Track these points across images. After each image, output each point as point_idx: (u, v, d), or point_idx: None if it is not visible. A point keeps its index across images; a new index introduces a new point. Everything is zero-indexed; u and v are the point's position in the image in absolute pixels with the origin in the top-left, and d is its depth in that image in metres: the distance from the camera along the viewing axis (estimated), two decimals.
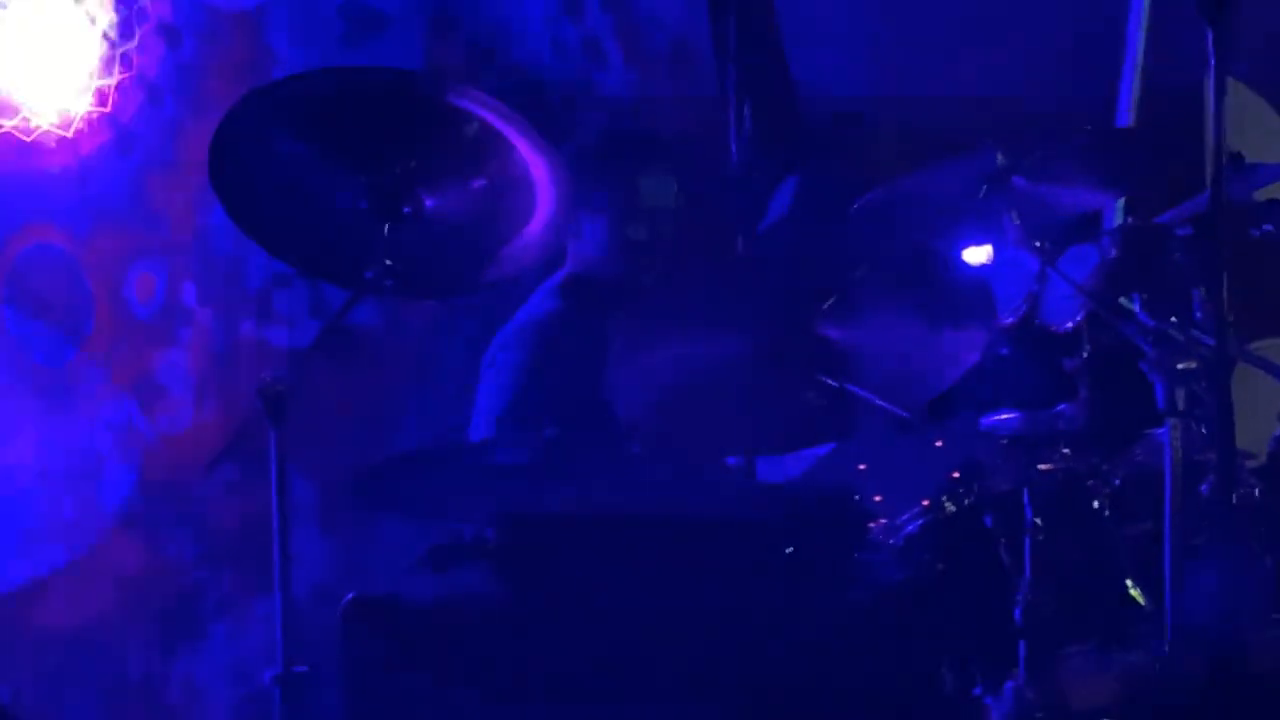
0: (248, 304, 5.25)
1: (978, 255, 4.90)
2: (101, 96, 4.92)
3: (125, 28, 4.96)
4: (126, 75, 4.96)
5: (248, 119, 3.50)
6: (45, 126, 4.81)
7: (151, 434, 5.03)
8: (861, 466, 3.98)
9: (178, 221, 5.08)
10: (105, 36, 4.93)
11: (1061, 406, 4.10)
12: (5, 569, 4.74)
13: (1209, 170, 3.30)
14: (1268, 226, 4.16)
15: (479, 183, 3.56)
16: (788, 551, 3.08)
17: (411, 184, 3.53)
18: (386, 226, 3.52)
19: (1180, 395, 3.54)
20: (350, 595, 3.28)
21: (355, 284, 3.52)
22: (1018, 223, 3.60)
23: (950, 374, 3.63)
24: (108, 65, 4.93)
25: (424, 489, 3.44)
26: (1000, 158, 3.63)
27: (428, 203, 3.55)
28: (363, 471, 3.45)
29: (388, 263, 3.46)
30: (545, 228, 3.55)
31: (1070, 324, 4.16)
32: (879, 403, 3.48)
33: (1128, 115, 5.88)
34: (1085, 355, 4.15)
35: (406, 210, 3.53)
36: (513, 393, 4.44)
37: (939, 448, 3.95)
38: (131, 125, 4.97)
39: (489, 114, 3.50)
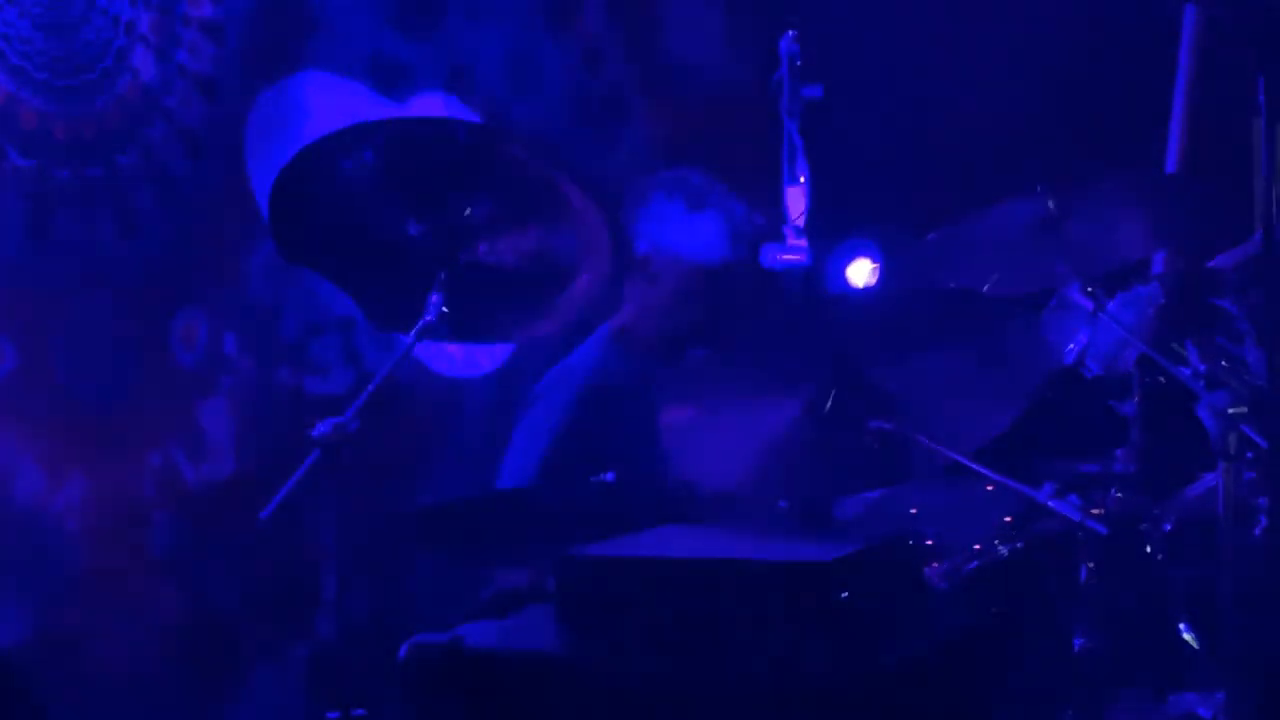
0: (284, 352, 5.48)
1: (860, 273, 5.10)
2: (144, 145, 5.13)
3: (165, 81, 5.18)
4: (171, 128, 5.16)
5: (308, 167, 3.67)
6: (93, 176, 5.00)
7: (195, 481, 5.22)
8: (913, 510, 4.16)
9: (220, 271, 5.30)
10: (145, 89, 5.14)
11: (1114, 450, 4.28)
12: (52, 616, 4.90)
13: (1259, 214, 3.45)
14: None
15: (534, 232, 3.74)
16: (843, 595, 3.21)
17: (468, 232, 3.71)
18: (443, 274, 3.68)
19: (1232, 439, 3.69)
20: (412, 639, 3.43)
21: (412, 330, 3.67)
22: (1069, 267, 3.75)
23: (1002, 419, 3.78)
24: (148, 115, 5.13)
25: (477, 531, 3.61)
26: (1052, 202, 3.80)
27: (484, 250, 3.72)
28: (414, 514, 3.61)
29: (444, 310, 3.62)
30: (597, 278, 3.72)
31: (1122, 368, 4.33)
32: (933, 447, 3.63)
33: (1175, 160, 6.07)
34: (1136, 399, 4.31)
35: (463, 257, 3.70)
36: (551, 435, 4.62)
37: (990, 491, 4.11)
38: (177, 178, 5.18)
39: (545, 166, 3.68)
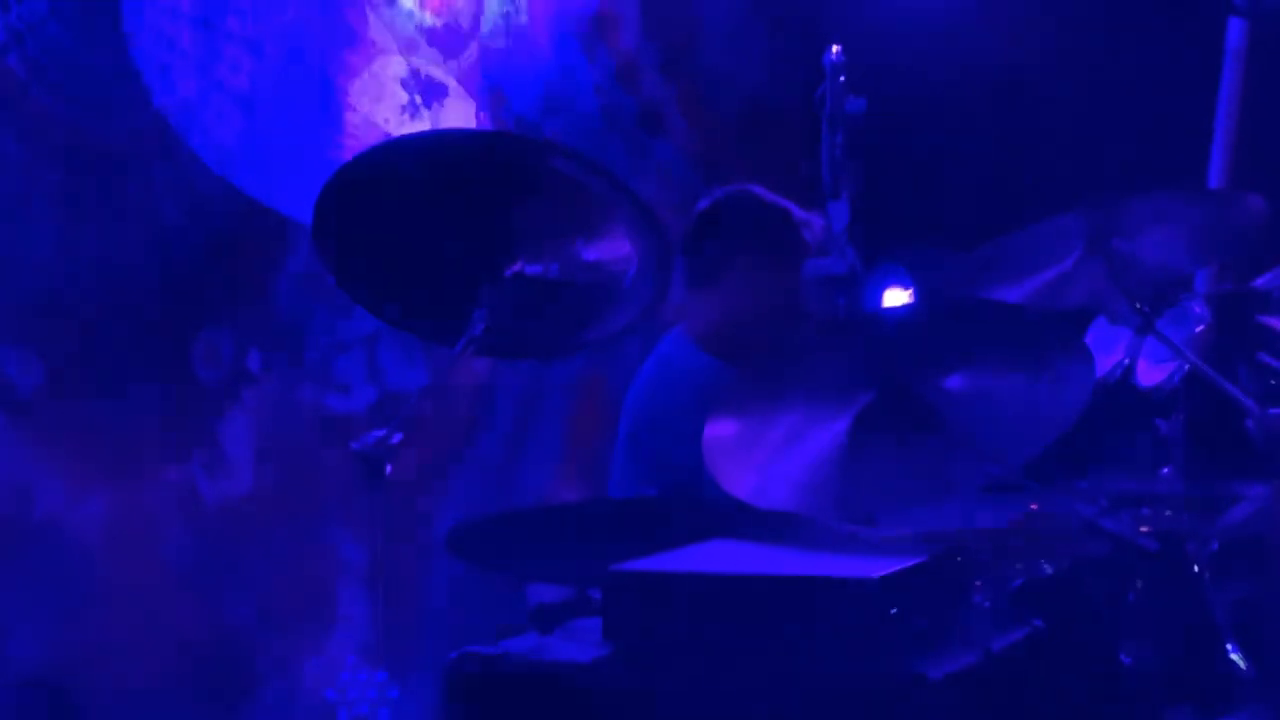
0: (308, 370, 5.67)
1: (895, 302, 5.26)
2: (176, 160, 5.32)
3: (203, 96, 5.34)
4: (204, 143, 5.34)
5: (354, 180, 3.82)
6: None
7: (213, 497, 5.40)
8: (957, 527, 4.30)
9: (246, 288, 5.48)
10: (185, 101, 5.32)
11: (1160, 469, 4.43)
12: (71, 630, 5.07)
13: None
14: None
15: (580, 245, 3.89)
16: (892, 612, 3.35)
17: (513, 246, 3.86)
18: (486, 287, 3.84)
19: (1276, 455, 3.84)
20: (456, 652, 3.57)
21: (457, 343, 3.83)
22: (1115, 283, 3.90)
23: (1048, 434, 3.91)
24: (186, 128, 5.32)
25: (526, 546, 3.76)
26: (1098, 219, 3.96)
27: (528, 264, 3.88)
28: (471, 527, 3.77)
29: (485, 325, 3.78)
30: (645, 290, 3.87)
31: (1167, 386, 4.48)
32: (981, 462, 3.77)
33: (1221, 177, 6.22)
34: (1182, 418, 4.45)
35: (508, 271, 3.86)
36: (653, 457, 4.79)
37: (1033, 510, 4.25)
38: (207, 193, 5.39)
39: (590, 178, 3.84)
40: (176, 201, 5.34)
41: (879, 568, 3.32)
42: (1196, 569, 3.98)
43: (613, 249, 3.85)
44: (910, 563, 3.41)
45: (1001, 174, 6.36)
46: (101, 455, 5.14)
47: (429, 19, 5.94)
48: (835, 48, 4.61)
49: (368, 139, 5.69)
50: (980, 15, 6.59)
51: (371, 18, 5.76)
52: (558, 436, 6.17)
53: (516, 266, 3.88)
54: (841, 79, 4.55)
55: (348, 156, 5.53)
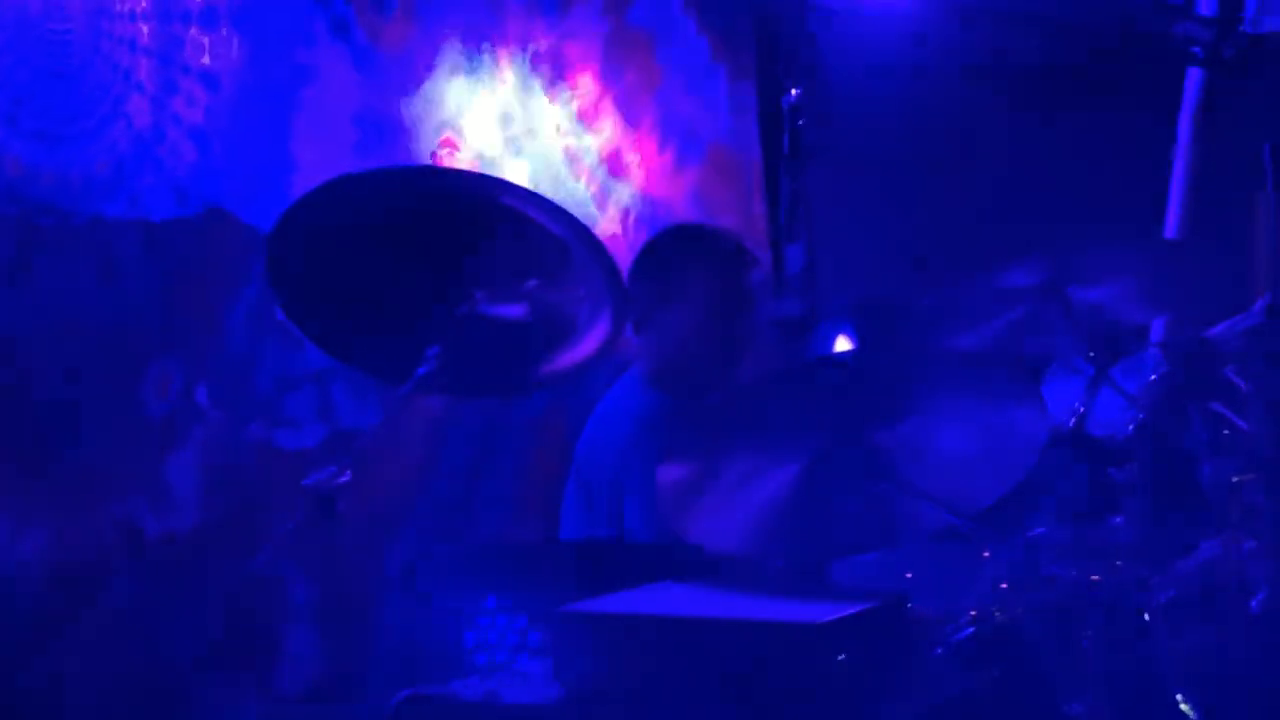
0: (257, 406, 5.63)
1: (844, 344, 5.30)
2: (132, 194, 5.31)
3: (158, 130, 5.36)
4: (159, 178, 5.35)
5: (307, 215, 3.83)
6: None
7: (156, 533, 5.36)
8: (908, 575, 4.32)
9: (198, 322, 5.47)
10: (140, 136, 5.32)
11: (1112, 518, 4.44)
12: (13, 666, 5.03)
13: (1261, 282, 3.61)
14: None
15: (534, 283, 3.90)
16: (839, 658, 3.36)
17: (467, 283, 3.87)
18: (438, 324, 3.84)
19: (1235, 508, 3.86)
20: (405, 693, 3.57)
21: (408, 382, 3.83)
22: (1071, 332, 3.93)
23: (1002, 483, 3.94)
24: (141, 163, 5.32)
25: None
26: (1053, 267, 3.99)
27: (482, 302, 3.88)
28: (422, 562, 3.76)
29: (442, 361, 3.78)
30: (600, 328, 3.88)
31: (1121, 435, 4.50)
32: (936, 510, 3.79)
33: (1176, 226, 6.26)
34: (1135, 467, 4.47)
35: (461, 309, 3.86)
36: (601, 494, 4.80)
37: (986, 558, 4.27)
38: (162, 227, 5.37)
39: (544, 216, 3.85)
40: (128, 233, 5.28)
41: (827, 613, 3.33)
42: (1147, 618, 3.99)
43: (567, 287, 3.85)
44: (858, 608, 3.42)
45: (957, 221, 6.37)
46: (44, 489, 5.10)
47: (385, 55, 5.93)
48: (794, 93, 4.64)
49: (321, 176, 5.67)
50: (937, 62, 6.62)
51: (327, 54, 5.74)
52: (514, 476, 6.16)
53: (470, 304, 3.87)
54: (799, 124, 4.58)
55: (300, 192, 5.63)
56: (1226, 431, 4.08)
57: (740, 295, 4.93)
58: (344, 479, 3.75)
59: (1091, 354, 4.04)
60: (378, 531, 5.57)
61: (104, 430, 5.27)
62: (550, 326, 3.88)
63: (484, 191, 3.89)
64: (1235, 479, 3.87)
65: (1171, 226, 6.37)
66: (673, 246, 5.13)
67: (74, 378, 5.23)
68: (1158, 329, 5.32)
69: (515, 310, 3.89)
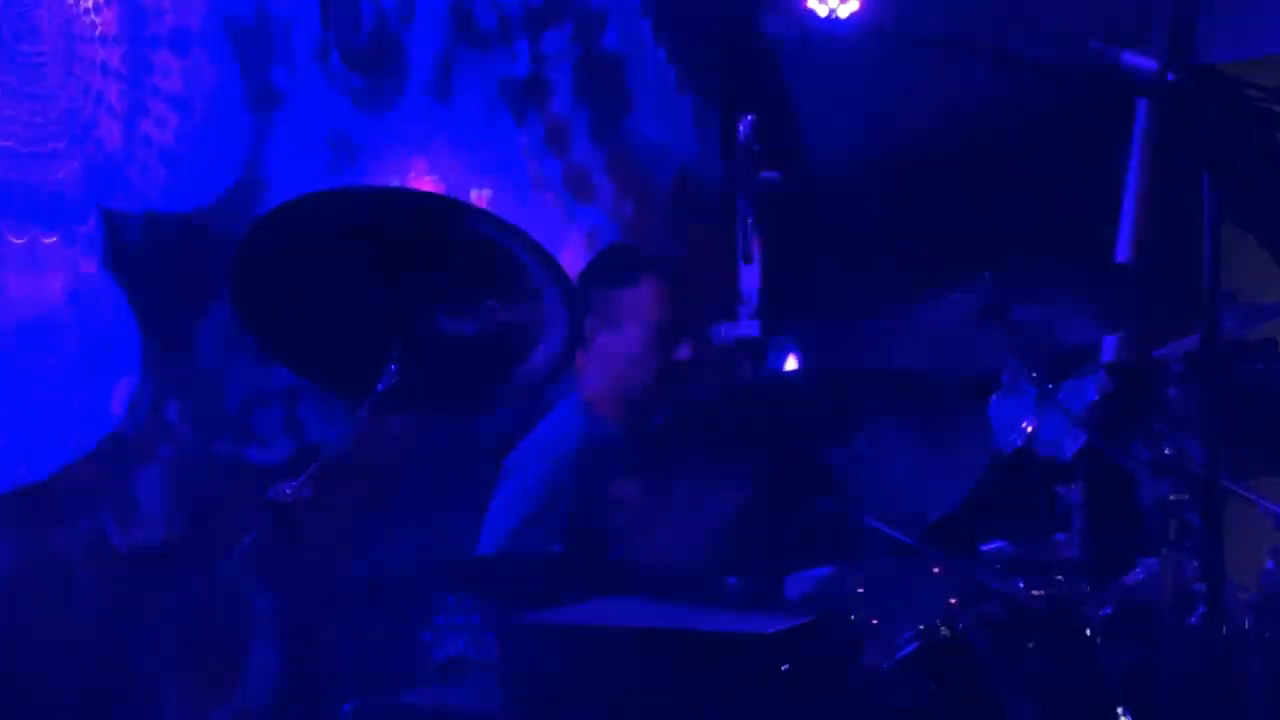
0: (226, 422, 5.64)
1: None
2: (102, 214, 5.33)
3: (129, 151, 5.37)
4: (129, 197, 5.37)
5: (270, 236, 3.84)
6: (47, 241, 5.20)
7: (123, 546, 5.37)
8: (860, 590, 4.34)
9: (167, 339, 5.47)
10: (109, 158, 5.33)
11: (1056, 535, 4.48)
12: None
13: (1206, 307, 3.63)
14: (1259, 365, 4.56)
15: (492, 302, 3.91)
16: (784, 668, 3.38)
17: (426, 302, 3.88)
18: (399, 342, 3.85)
19: (1173, 526, 3.89)
20: (351, 704, 3.57)
21: (368, 399, 3.84)
22: (1015, 353, 3.95)
23: (948, 501, 3.97)
24: (110, 185, 5.34)
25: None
26: (999, 289, 4.02)
27: (441, 320, 3.90)
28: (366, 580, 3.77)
29: (401, 378, 3.79)
30: (557, 347, 3.90)
31: (1066, 454, 4.53)
32: (882, 528, 3.82)
33: (1127, 250, 6.29)
34: (1079, 486, 4.50)
35: (420, 327, 3.87)
36: (532, 505, 4.80)
37: (935, 574, 4.29)
38: (131, 245, 5.38)
39: (502, 236, 3.87)
40: (98, 251, 5.29)
41: (773, 624, 3.35)
42: (1089, 633, 4.01)
43: (525, 306, 3.87)
44: (802, 620, 3.44)
45: (910, 243, 6.40)
46: (17, 502, 5.11)
47: (358, 77, 5.95)
48: (749, 118, 4.66)
49: (289, 195, 5.68)
50: (893, 90, 6.64)
51: (296, 77, 5.76)
52: (478, 492, 6.16)
53: (429, 322, 3.89)
54: (755, 149, 4.59)
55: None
56: (1167, 451, 4.10)
57: (679, 319, 4.94)
58: (305, 492, 3.73)
59: (1035, 374, 4.05)
60: (341, 545, 5.57)
61: (74, 446, 5.25)
62: (507, 344, 3.88)
63: (446, 212, 3.88)
64: (1174, 498, 3.88)
65: (1122, 250, 6.40)
66: (611, 269, 5.14)
67: (44, 393, 5.21)
68: (1106, 350, 5.35)
69: (473, 328, 3.90)
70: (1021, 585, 3.95)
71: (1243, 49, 6.71)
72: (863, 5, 5.67)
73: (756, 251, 4.66)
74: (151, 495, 5.43)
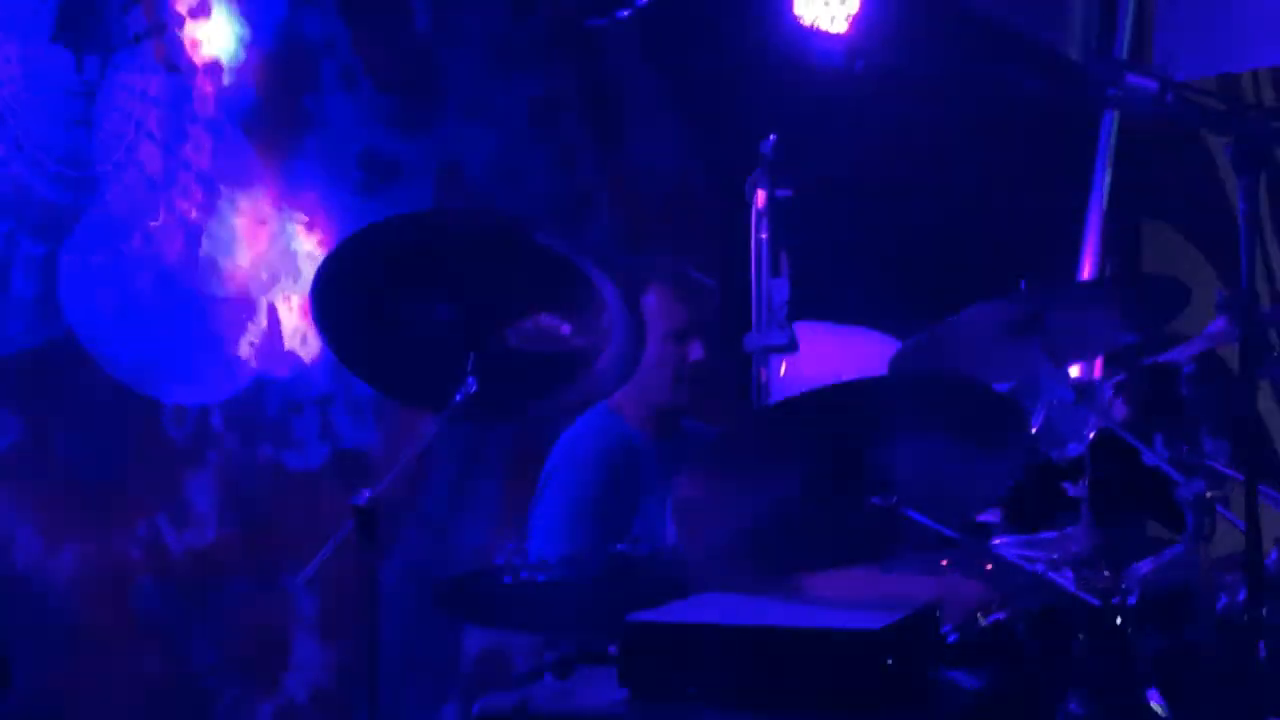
0: (266, 429, 5.59)
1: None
2: (145, 234, 5.23)
3: (168, 174, 5.29)
4: (169, 218, 5.26)
5: (349, 259, 3.77)
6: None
7: (178, 547, 5.31)
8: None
9: (211, 353, 5.43)
10: (151, 180, 5.25)
11: (1067, 529, 4.43)
12: (46, 672, 4.97)
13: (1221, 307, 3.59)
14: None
15: (558, 314, 3.85)
16: (888, 662, 3.34)
17: (496, 315, 3.82)
18: (472, 355, 3.79)
19: (1207, 522, 3.85)
20: (480, 702, 3.51)
21: (443, 409, 3.77)
22: (1052, 360, 3.92)
23: (985, 498, 3.93)
24: (154, 207, 5.26)
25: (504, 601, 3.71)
26: (1034, 298, 3.98)
27: (510, 333, 3.83)
28: (451, 583, 3.71)
29: (478, 391, 3.73)
30: (619, 355, 3.84)
31: (1074, 454, 4.49)
32: (927, 523, 3.77)
33: (1093, 267, 6.28)
34: (1088, 480, 4.45)
35: (493, 341, 3.81)
36: (579, 507, 4.74)
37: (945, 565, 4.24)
38: (172, 265, 5.31)
39: (569, 252, 3.80)
40: (143, 270, 5.25)
41: (875, 620, 3.30)
42: (1120, 622, 3.97)
43: (588, 319, 3.81)
44: (903, 614, 3.40)
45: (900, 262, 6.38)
46: (77, 509, 5.04)
47: (389, 100, 5.89)
48: (772, 137, 4.62)
49: (324, 216, 5.64)
50: (875, 110, 6.60)
51: (332, 100, 5.69)
52: (495, 494, 6.12)
53: (500, 338, 3.82)
54: (773, 163, 4.55)
55: (300, 233, 5.58)
56: (1185, 448, 4.06)
57: (690, 323, 4.88)
58: (383, 498, 3.67)
59: (1070, 380, 4.01)
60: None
61: (129, 455, 5.23)
62: (573, 356, 3.82)
63: (518, 231, 3.81)
64: (1210, 494, 3.84)
65: (1086, 268, 6.39)
66: (630, 277, 5.06)
67: (102, 406, 5.17)
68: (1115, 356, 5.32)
69: (543, 343, 3.84)
70: (1070, 577, 3.88)
71: (1198, 68, 6.73)
72: (851, 31, 5.64)
73: (784, 264, 4.62)
74: (202, 499, 5.38)
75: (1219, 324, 4.62)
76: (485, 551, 5.99)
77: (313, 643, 5.56)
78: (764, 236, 4.71)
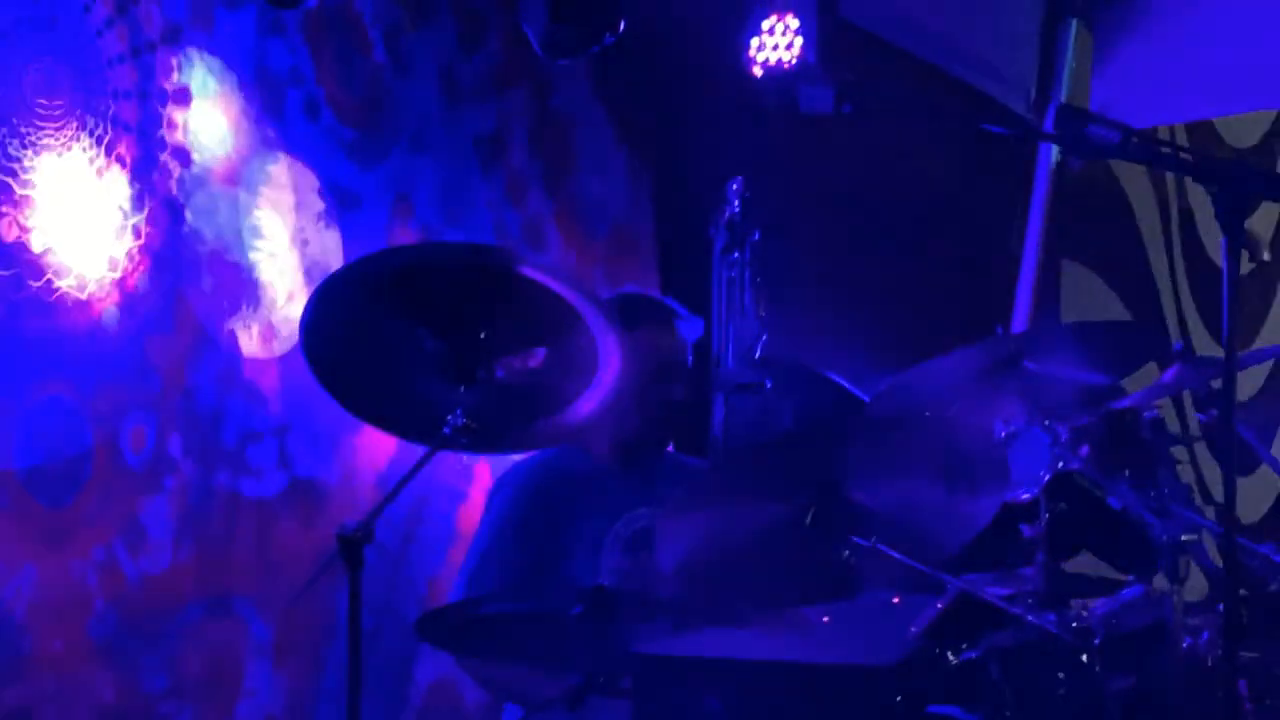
0: (224, 456, 5.49)
1: None
2: (113, 263, 5.17)
3: (138, 201, 5.22)
4: (136, 244, 5.20)
5: (338, 293, 3.72)
6: (64, 288, 5.04)
7: (133, 574, 5.21)
8: (825, 619, 4.26)
9: (170, 380, 5.34)
10: (120, 208, 5.17)
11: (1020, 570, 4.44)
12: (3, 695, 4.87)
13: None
14: (1214, 412, 4.57)
15: (547, 347, 3.81)
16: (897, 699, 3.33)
17: (486, 349, 3.78)
18: (462, 389, 3.74)
19: (1182, 563, 3.86)
20: None
21: (433, 441, 3.73)
22: (1028, 403, 3.92)
23: (963, 537, 3.93)
24: (119, 234, 5.19)
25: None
26: (1011, 343, 3.98)
27: (500, 366, 3.80)
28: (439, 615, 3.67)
29: (466, 423, 3.68)
30: (609, 387, 3.81)
31: (1029, 495, 4.49)
32: (908, 561, 3.76)
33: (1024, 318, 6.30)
34: (1044, 520, 4.45)
35: (481, 373, 3.77)
36: (506, 535, 4.71)
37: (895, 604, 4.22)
38: (136, 290, 5.24)
39: (556, 284, 3.77)
40: (109, 297, 5.18)
41: (886, 655, 3.29)
42: (1085, 659, 3.97)
43: (580, 350, 3.78)
44: (910, 650, 3.39)
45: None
46: (34, 532, 4.94)
47: (350, 132, 5.84)
48: (738, 179, 4.61)
49: (281, 247, 5.58)
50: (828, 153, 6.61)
51: (296, 131, 5.63)
52: (448, 525, 6.07)
53: (488, 369, 3.79)
54: (746, 209, 4.55)
55: (263, 263, 5.52)
56: (1152, 492, 4.08)
57: (678, 363, 4.85)
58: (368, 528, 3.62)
59: (1046, 423, 4.01)
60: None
61: (87, 479, 5.11)
62: (564, 386, 3.79)
63: (501, 262, 3.78)
64: (1185, 538, 3.85)
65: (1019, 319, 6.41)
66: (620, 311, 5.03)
67: (61, 429, 5.07)
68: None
69: (528, 374, 3.81)
70: (1049, 614, 3.88)
71: (1136, 121, 6.77)
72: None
73: (755, 305, 4.61)
74: (158, 525, 5.30)
75: (1172, 373, 4.63)
76: (438, 582, 5.93)
77: (265, 669, 5.48)
78: (730, 275, 4.69)
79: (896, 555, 3.79)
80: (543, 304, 3.76)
